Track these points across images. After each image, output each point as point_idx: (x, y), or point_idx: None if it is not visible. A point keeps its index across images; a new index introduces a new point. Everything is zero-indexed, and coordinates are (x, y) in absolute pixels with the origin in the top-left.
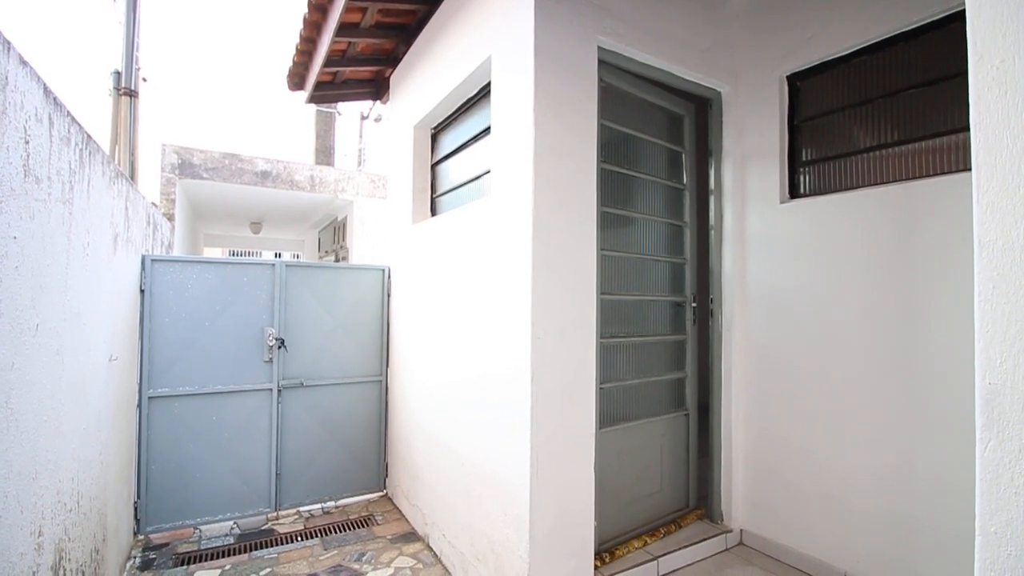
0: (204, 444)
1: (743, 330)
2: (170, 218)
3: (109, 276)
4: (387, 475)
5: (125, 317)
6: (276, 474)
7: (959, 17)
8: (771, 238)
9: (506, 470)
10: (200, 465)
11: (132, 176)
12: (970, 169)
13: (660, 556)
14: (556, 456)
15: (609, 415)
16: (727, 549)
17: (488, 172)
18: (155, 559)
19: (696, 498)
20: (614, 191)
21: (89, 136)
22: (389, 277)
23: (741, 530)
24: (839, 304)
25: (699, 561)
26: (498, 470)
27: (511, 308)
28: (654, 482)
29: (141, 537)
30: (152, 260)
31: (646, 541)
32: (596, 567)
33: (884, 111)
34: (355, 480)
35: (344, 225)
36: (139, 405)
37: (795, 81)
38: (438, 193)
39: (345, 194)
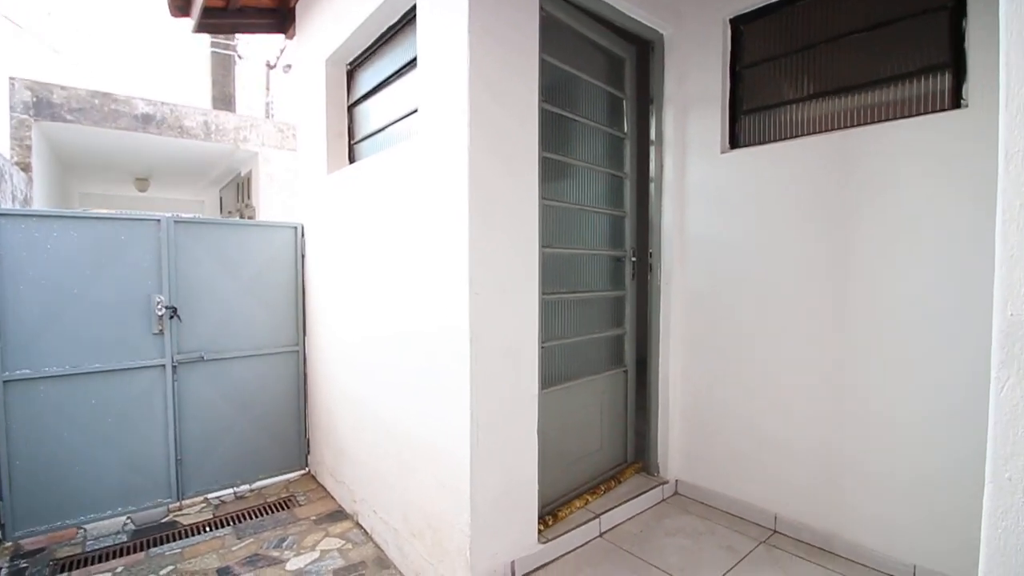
0: (83, 432)
1: (682, 284)
2: (25, 168)
3: None
4: (309, 452)
5: None
6: (176, 460)
7: None
8: (711, 189)
9: (443, 438)
10: (80, 456)
11: None
12: (911, 116)
13: (601, 513)
14: (498, 421)
15: (551, 375)
16: (664, 500)
17: (415, 111)
18: (27, 568)
19: (634, 452)
20: (554, 135)
21: None
22: (303, 235)
23: (676, 480)
24: (778, 254)
25: (639, 514)
26: (435, 439)
27: (446, 262)
28: (594, 441)
29: (9, 544)
30: None
31: (587, 500)
32: (539, 531)
33: (827, 57)
34: (272, 460)
35: (249, 181)
36: None
37: (739, 24)
38: (356, 139)
39: (248, 144)
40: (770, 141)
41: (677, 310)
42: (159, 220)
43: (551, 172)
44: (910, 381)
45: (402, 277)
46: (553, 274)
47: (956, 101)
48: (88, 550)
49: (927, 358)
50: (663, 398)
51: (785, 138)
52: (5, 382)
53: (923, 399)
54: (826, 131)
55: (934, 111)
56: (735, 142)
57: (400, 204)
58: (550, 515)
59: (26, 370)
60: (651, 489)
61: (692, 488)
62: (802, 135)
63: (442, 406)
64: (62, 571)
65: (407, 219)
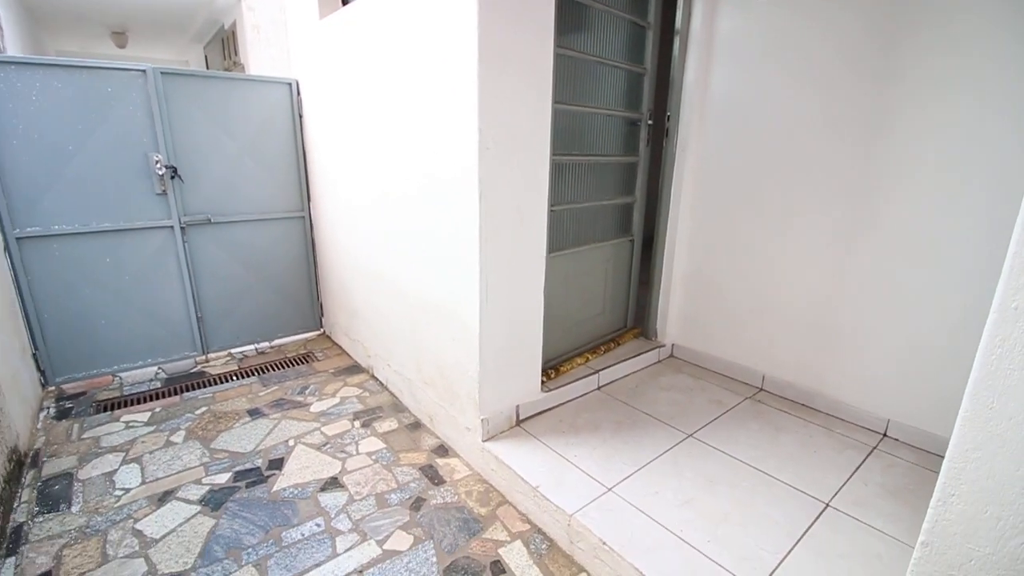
0: (103, 289)
1: (698, 151)
2: None
3: None
4: (323, 314)
5: None
6: (198, 317)
7: None
8: (742, 40)
9: (454, 296)
10: (105, 312)
11: None
12: None
13: (601, 370)
14: (506, 281)
15: (558, 240)
16: (660, 361)
17: None
18: (72, 408)
19: (634, 318)
20: None
21: None
22: (299, 92)
23: (673, 344)
24: (805, 114)
25: (635, 372)
26: (445, 297)
27: (454, 113)
28: (597, 305)
29: (51, 388)
30: None
31: (588, 358)
32: (543, 381)
33: None
34: (288, 320)
35: (234, 35)
36: (7, 248)
37: None
38: None
39: None
40: None
41: (690, 179)
42: (144, 71)
43: (567, 16)
44: (919, 253)
45: (407, 133)
46: (564, 134)
47: None
48: (126, 394)
49: (944, 233)
50: (667, 267)
51: None
52: (18, 239)
53: (927, 272)
54: None
55: None
56: None
57: (401, 50)
58: (553, 369)
59: (36, 227)
60: (649, 351)
61: (687, 351)
62: None
63: (452, 265)
64: (105, 410)
65: (410, 66)
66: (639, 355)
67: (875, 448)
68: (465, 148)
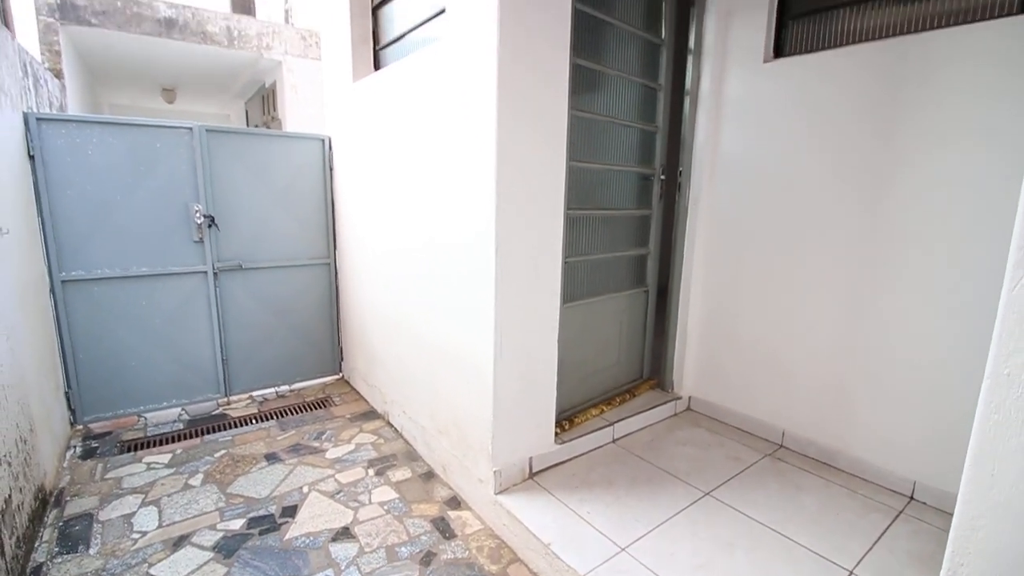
0: (137, 331)
1: (710, 204)
2: (57, 75)
3: None
4: (342, 359)
5: (12, 186)
6: (222, 360)
7: None
8: (750, 103)
9: (469, 346)
10: (136, 353)
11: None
12: (973, 21)
13: (616, 422)
14: (521, 331)
15: (573, 291)
16: (676, 414)
17: (442, 12)
18: (98, 447)
19: (650, 370)
20: (584, 39)
21: None
22: (330, 148)
23: (689, 397)
24: (813, 175)
25: (651, 425)
26: (461, 346)
27: (473, 173)
28: (612, 356)
29: (80, 427)
30: (38, 119)
31: (603, 409)
32: (556, 433)
33: None
34: (309, 364)
35: (273, 93)
36: (52, 290)
37: None
38: (382, 45)
39: (272, 52)
40: (819, 49)
41: (702, 232)
42: (191, 128)
43: (582, 81)
44: (938, 306)
45: (429, 189)
46: (579, 189)
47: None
48: (150, 435)
49: (962, 284)
50: (682, 318)
51: (834, 46)
52: (63, 282)
53: (941, 327)
54: (879, 38)
55: (997, 16)
56: (780, 51)
57: (426, 112)
58: (567, 420)
59: (80, 271)
60: (665, 403)
61: (704, 404)
62: (852, 43)
63: (469, 316)
64: (128, 451)
65: (433, 128)
66: (655, 407)
67: (901, 512)
68: (483, 204)
